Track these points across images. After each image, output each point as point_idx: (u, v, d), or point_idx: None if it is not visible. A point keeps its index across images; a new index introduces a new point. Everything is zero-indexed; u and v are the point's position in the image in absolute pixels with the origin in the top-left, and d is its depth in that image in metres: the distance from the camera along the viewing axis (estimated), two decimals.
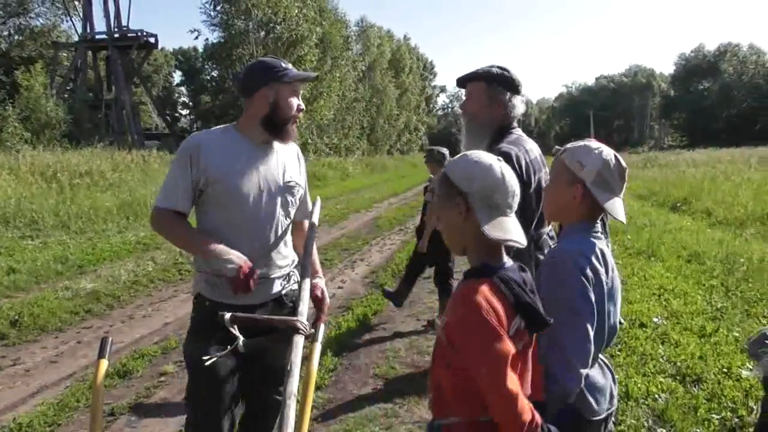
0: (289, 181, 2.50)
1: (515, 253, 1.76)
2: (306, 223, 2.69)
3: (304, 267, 2.46)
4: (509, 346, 1.42)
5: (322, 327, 2.12)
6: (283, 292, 2.49)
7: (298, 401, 1.78)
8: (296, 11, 30.16)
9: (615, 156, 1.78)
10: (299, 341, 2.05)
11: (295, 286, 2.52)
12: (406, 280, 5.99)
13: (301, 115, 2.46)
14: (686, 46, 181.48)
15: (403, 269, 6.20)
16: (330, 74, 34.00)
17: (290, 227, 2.55)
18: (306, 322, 2.14)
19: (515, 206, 1.58)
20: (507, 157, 2.52)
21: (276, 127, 2.39)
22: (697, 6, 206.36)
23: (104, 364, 1.91)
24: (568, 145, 1.86)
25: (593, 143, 1.82)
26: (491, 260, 1.54)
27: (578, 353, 1.62)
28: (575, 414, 1.70)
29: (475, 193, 1.52)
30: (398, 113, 54.17)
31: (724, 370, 4.16)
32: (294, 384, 1.82)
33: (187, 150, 2.33)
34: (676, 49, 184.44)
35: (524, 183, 2.58)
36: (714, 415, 3.51)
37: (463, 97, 2.83)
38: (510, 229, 1.53)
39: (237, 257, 2.21)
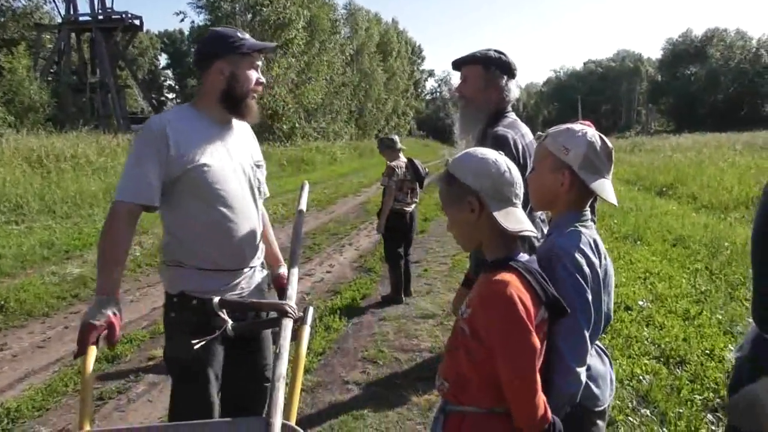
0: (258, 161, 2.41)
1: None
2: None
3: (294, 252, 2.42)
4: (536, 341, 1.43)
5: (311, 310, 2.10)
6: (260, 279, 2.44)
7: (287, 384, 1.79)
8: None
9: (600, 137, 1.72)
10: (288, 324, 2.04)
11: (266, 271, 2.49)
12: (392, 272, 6.04)
13: (260, 89, 2.30)
14: (674, 31, 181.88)
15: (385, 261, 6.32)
16: (318, 58, 33.79)
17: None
18: (295, 306, 2.14)
19: (521, 196, 1.59)
20: (504, 141, 2.54)
21: (234, 103, 2.23)
22: None
23: (93, 349, 1.90)
24: (550, 130, 1.79)
25: (576, 126, 1.75)
26: (510, 252, 1.55)
27: (576, 357, 1.59)
28: (581, 407, 1.66)
29: (488, 189, 1.53)
30: (386, 97, 53.99)
31: (707, 352, 4.22)
32: (283, 367, 1.82)
33: (154, 134, 2.11)
34: (664, 34, 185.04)
35: (521, 167, 2.59)
36: (696, 396, 3.58)
37: (453, 81, 2.84)
38: (522, 220, 1.55)
39: (110, 315, 2.01)
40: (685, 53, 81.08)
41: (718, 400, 3.53)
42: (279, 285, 2.54)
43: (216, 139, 2.22)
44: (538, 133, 1.95)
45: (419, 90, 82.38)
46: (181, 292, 2.21)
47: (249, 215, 2.30)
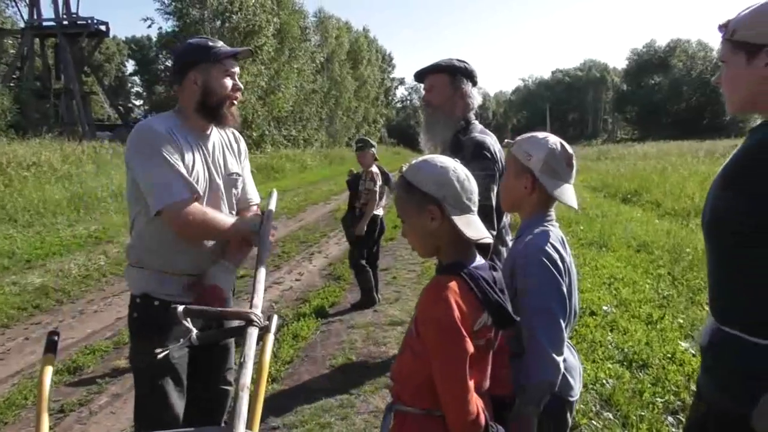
0: (230, 174, 2.42)
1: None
2: (246, 213, 2.53)
3: (260, 257, 2.39)
4: (468, 346, 1.46)
5: (275, 318, 2.10)
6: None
7: (251, 392, 1.78)
8: (253, 0, 29.70)
9: (561, 143, 1.83)
10: (253, 333, 2.03)
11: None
12: (359, 276, 6.07)
13: (239, 95, 2.32)
14: (638, 42, 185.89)
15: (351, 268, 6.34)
16: (288, 65, 33.65)
17: None
18: (260, 314, 2.12)
19: (477, 203, 1.63)
20: (483, 146, 2.67)
21: (210, 111, 2.26)
22: (649, 2, 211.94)
23: (51, 359, 1.86)
24: (518, 138, 1.90)
25: (540, 134, 1.87)
26: (464, 258, 1.58)
27: (555, 346, 1.68)
28: (558, 397, 1.75)
29: (450, 198, 1.55)
30: (357, 105, 54.03)
31: (669, 355, 4.31)
32: (247, 376, 1.81)
33: (163, 135, 2.16)
34: (629, 45, 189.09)
35: (500, 172, 2.66)
36: (658, 399, 3.65)
37: (423, 90, 2.91)
38: (480, 228, 1.59)
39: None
40: (649, 63, 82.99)
41: (678, 402, 3.61)
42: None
43: (195, 149, 2.26)
44: (506, 140, 2.04)
45: (390, 98, 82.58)
46: (144, 294, 2.24)
47: None
